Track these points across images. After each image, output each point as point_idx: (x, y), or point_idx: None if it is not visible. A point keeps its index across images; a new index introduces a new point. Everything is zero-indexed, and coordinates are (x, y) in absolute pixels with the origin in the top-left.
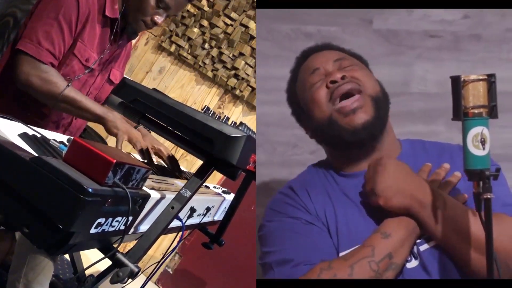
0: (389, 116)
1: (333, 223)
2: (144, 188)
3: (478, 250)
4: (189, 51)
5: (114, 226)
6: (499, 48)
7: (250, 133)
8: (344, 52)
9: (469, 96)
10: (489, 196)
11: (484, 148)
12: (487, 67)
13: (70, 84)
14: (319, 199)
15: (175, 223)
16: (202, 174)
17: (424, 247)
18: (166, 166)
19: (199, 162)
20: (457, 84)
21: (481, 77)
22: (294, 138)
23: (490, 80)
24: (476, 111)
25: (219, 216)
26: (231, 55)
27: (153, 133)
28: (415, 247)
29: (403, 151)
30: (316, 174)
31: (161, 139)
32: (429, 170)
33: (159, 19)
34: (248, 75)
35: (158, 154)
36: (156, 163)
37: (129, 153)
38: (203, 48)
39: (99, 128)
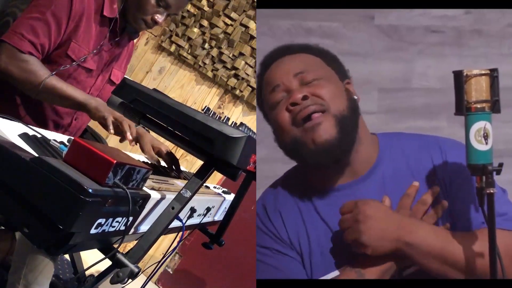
0: (360, 116)
1: (306, 250)
2: (144, 188)
3: (470, 276)
4: (189, 51)
5: (114, 227)
6: (501, 43)
7: (250, 133)
8: (309, 51)
9: (471, 90)
10: (492, 191)
11: (486, 143)
12: (489, 62)
13: (53, 74)
14: (292, 224)
15: (175, 223)
16: (202, 174)
17: (406, 272)
18: (166, 165)
19: (199, 162)
20: (459, 78)
21: (483, 72)
22: None
23: (493, 75)
24: (478, 105)
25: (219, 216)
26: (231, 55)
27: (153, 134)
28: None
29: (380, 155)
30: (289, 193)
31: (161, 139)
32: (416, 191)
33: (159, 18)
34: (248, 75)
35: (159, 153)
36: (153, 163)
37: (123, 151)
38: (203, 48)
39: (99, 128)
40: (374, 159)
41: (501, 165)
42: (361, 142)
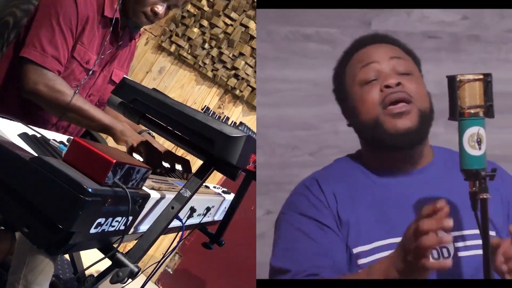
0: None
1: (354, 229)
2: (144, 188)
3: None
4: (189, 51)
5: (114, 226)
6: (498, 48)
7: (250, 133)
8: (399, 47)
9: (465, 96)
10: (485, 196)
11: (480, 148)
12: (486, 67)
13: (77, 91)
14: (343, 201)
15: (175, 223)
16: (202, 174)
17: (467, 253)
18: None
19: (199, 162)
20: (453, 84)
21: (477, 77)
22: (293, 140)
23: (487, 80)
24: (472, 111)
25: (219, 216)
26: (231, 55)
27: (153, 133)
28: (450, 249)
29: (434, 160)
30: (345, 170)
31: (161, 139)
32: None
33: (159, 9)
34: (248, 75)
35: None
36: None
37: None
38: (203, 48)
39: None
40: (430, 159)
41: (494, 170)
42: (425, 142)
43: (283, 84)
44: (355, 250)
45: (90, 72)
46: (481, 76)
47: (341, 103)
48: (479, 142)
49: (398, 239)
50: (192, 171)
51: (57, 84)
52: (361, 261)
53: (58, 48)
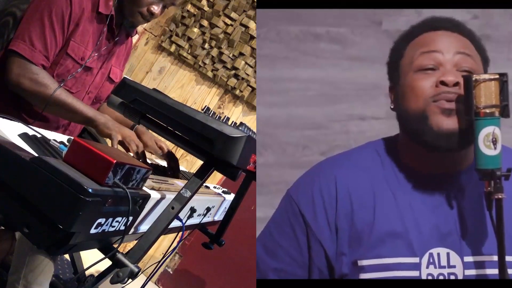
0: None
1: (363, 238)
2: (144, 188)
3: None
4: (189, 51)
5: (114, 226)
6: (508, 48)
7: (250, 133)
8: (471, 42)
9: (481, 96)
10: (500, 196)
11: (495, 148)
12: (497, 67)
13: (61, 85)
14: (359, 205)
15: (175, 223)
16: (202, 174)
17: (473, 271)
18: (165, 164)
19: (199, 162)
20: (468, 83)
21: (492, 77)
22: (304, 140)
23: (502, 80)
24: (488, 110)
25: (219, 216)
26: (231, 55)
27: (153, 133)
28: (457, 273)
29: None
30: (373, 162)
31: (161, 140)
32: None
33: (155, 9)
34: (248, 75)
35: (161, 150)
36: (153, 163)
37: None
38: (203, 48)
39: None
40: (471, 161)
41: (509, 170)
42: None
43: (293, 83)
44: (360, 263)
45: (80, 68)
46: (497, 76)
47: (391, 81)
48: (494, 142)
49: (410, 260)
50: (192, 171)
51: (40, 77)
52: (364, 275)
53: (46, 44)
